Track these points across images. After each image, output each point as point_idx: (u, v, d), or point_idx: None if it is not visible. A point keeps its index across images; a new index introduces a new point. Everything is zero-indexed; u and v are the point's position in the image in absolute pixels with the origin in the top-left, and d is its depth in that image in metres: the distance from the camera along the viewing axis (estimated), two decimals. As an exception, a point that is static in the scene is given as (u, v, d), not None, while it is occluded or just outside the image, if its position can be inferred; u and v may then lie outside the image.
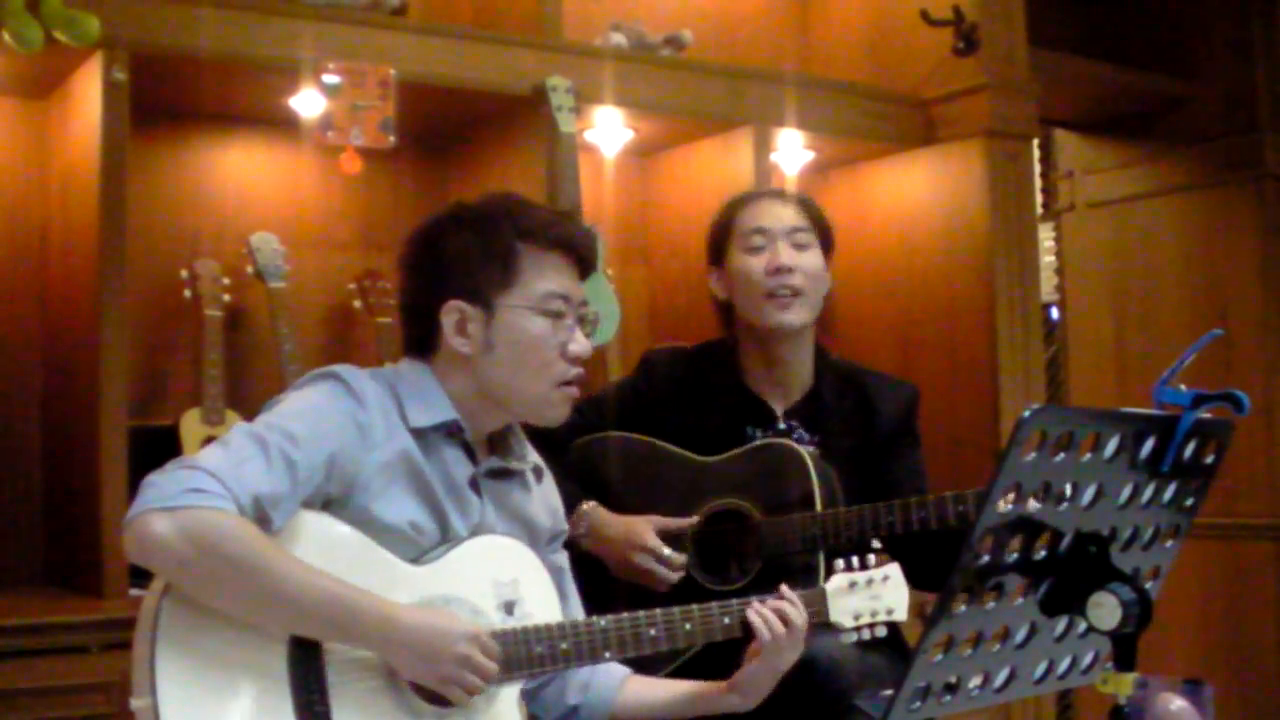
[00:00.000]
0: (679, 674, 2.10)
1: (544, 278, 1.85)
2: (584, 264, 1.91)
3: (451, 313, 1.83)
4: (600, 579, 2.31)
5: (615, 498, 2.37)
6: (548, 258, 1.86)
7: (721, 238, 2.50)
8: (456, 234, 1.87)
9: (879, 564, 2.03)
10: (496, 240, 1.84)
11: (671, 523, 2.32)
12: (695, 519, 2.33)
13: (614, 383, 2.68)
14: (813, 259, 2.44)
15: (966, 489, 2.22)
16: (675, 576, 2.29)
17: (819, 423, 2.42)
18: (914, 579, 2.08)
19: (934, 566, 2.01)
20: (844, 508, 2.29)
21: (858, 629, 2.00)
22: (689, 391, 2.46)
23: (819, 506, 2.28)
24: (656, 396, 2.47)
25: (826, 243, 2.49)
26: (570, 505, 2.27)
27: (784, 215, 2.45)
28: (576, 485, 2.35)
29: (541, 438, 2.13)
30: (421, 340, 1.89)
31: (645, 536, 2.29)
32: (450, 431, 1.85)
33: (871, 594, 2.01)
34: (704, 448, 2.40)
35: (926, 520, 2.22)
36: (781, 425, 2.43)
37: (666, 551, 2.28)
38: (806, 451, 2.32)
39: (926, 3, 3.70)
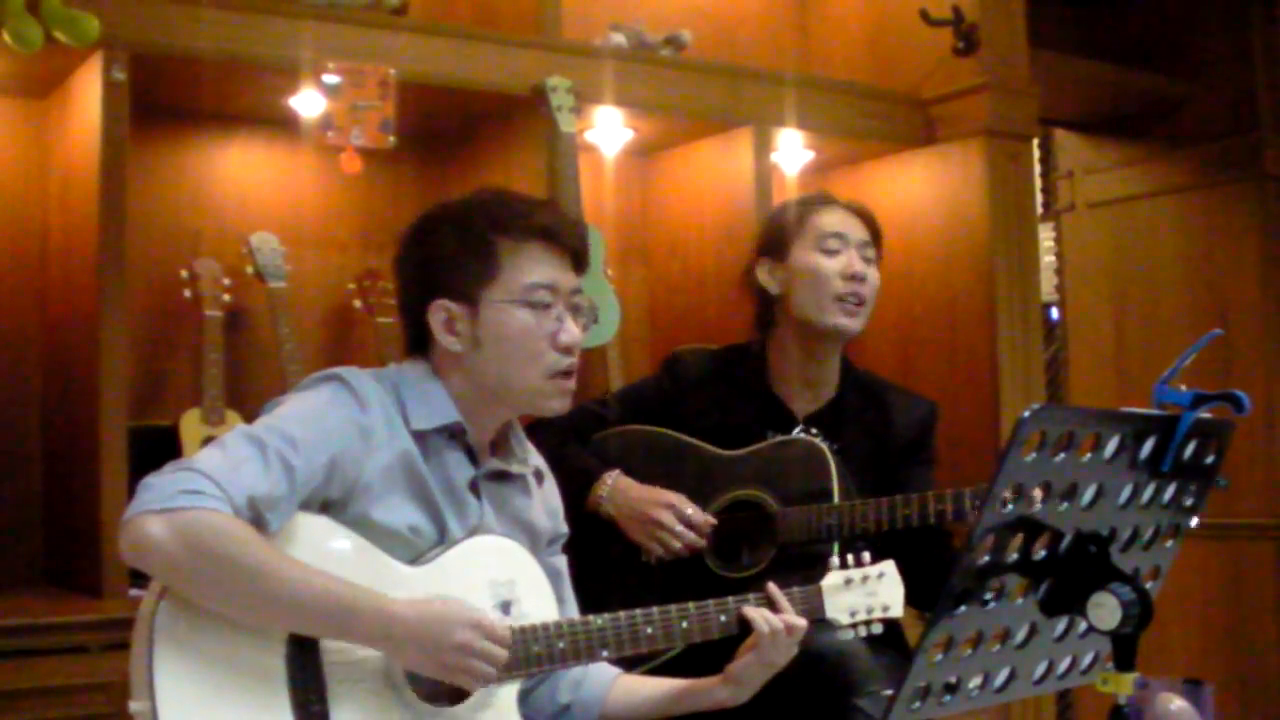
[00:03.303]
0: (660, 672, 2.11)
1: (525, 270, 1.84)
2: (572, 253, 1.89)
3: (438, 312, 1.84)
4: (600, 563, 2.34)
5: None
6: (527, 249, 1.85)
7: (787, 233, 2.52)
8: (437, 234, 1.87)
9: (875, 561, 2.03)
10: (474, 236, 1.84)
11: (695, 510, 2.35)
12: (713, 519, 2.36)
13: (639, 380, 2.73)
14: (876, 275, 2.51)
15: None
16: (693, 537, 2.32)
17: (838, 430, 2.46)
18: (909, 596, 2.09)
19: (928, 584, 2.00)
20: (861, 500, 2.30)
21: (853, 626, 2.00)
22: (712, 391, 2.49)
23: (836, 501, 2.30)
24: (680, 395, 2.51)
25: (880, 261, 2.56)
26: (594, 476, 2.36)
27: (859, 228, 2.51)
28: (599, 460, 2.42)
29: (568, 431, 2.19)
30: (418, 339, 1.89)
31: (671, 495, 2.34)
32: (453, 433, 1.85)
33: (867, 591, 2.01)
34: (724, 447, 2.44)
35: (943, 514, 2.23)
36: (800, 429, 2.46)
37: (690, 510, 2.33)
38: (828, 448, 2.35)
39: (926, 3, 3.70)
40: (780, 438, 2.42)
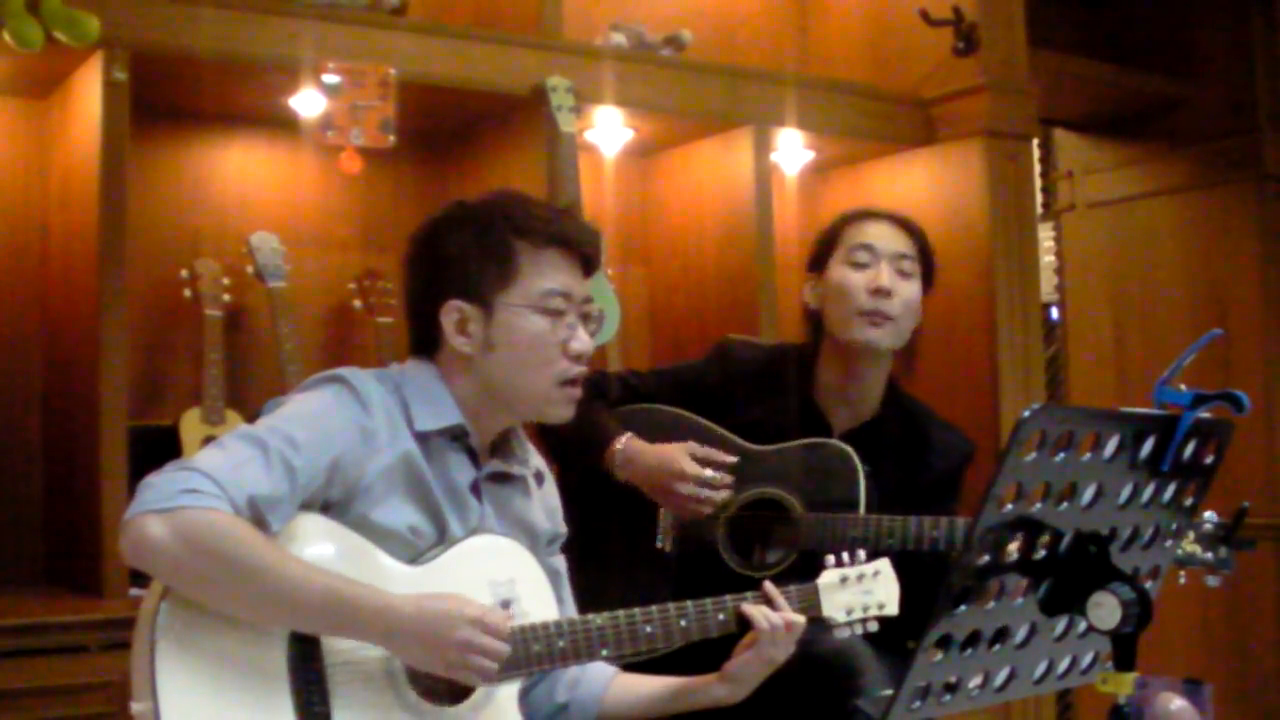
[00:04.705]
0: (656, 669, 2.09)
1: (543, 276, 1.84)
2: (586, 260, 1.90)
3: (451, 313, 1.83)
4: (611, 556, 2.33)
5: None
6: (546, 255, 1.85)
7: (826, 247, 2.50)
8: (455, 233, 1.86)
9: (870, 559, 2.04)
10: (494, 239, 1.84)
11: (708, 451, 2.32)
12: (733, 458, 2.33)
13: (683, 362, 2.68)
14: (912, 289, 2.45)
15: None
16: (720, 496, 2.30)
17: (872, 453, 2.40)
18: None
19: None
20: (888, 515, 2.28)
21: (849, 624, 2.00)
22: (755, 389, 2.46)
23: (863, 512, 2.28)
24: (723, 386, 2.48)
25: (928, 276, 2.50)
26: (607, 439, 2.32)
27: (894, 239, 2.46)
28: (616, 422, 2.37)
29: (593, 395, 2.15)
30: (425, 339, 1.89)
31: (683, 463, 2.29)
32: (455, 435, 1.85)
33: (863, 589, 2.01)
34: (754, 443, 2.40)
35: None
36: None
37: (708, 473, 2.29)
38: (858, 457, 2.32)
39: (926, 3, 3.70)
40: (811, 440, 2.38)
